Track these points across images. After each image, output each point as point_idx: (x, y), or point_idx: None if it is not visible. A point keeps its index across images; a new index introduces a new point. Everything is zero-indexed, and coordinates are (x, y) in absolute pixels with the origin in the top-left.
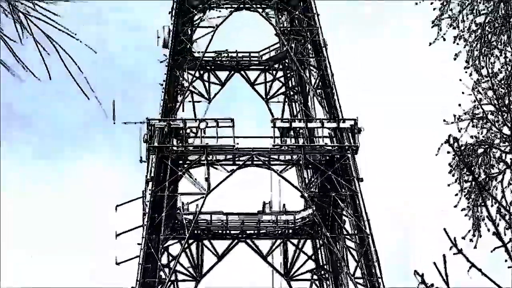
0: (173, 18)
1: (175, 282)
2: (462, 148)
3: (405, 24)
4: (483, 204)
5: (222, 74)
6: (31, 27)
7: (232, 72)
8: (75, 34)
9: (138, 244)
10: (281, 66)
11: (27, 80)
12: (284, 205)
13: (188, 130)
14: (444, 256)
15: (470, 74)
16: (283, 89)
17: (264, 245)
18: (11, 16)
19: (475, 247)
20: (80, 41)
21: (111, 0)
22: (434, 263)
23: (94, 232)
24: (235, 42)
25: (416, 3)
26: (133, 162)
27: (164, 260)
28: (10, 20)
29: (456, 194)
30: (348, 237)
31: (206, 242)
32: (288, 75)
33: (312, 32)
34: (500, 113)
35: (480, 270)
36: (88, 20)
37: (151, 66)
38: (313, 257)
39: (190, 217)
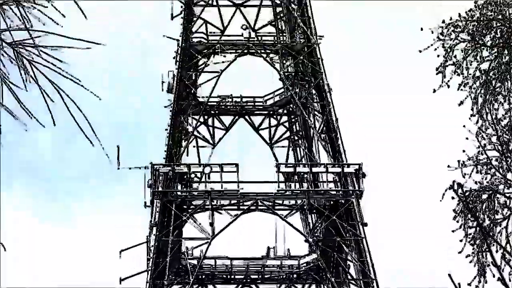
0: (177, 63)
1: None
2: (467, 194)
3: (410, 70)
4: (488, 250)
5: (227, 119)
6: (36, 73)
7: (237, 117)
8: (80, 81)
9: None
10: (285, 111)
11: (32, 126)
12: (288, 249)
13: (192, 175)
14: None
15: (476, 122)
16: (287, 134)
17: None
18: (16, 62)
19: None
20: (85, 88)
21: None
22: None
23: (98, 277)
24: (240, 87)
25: (420, 51)
26: (138, 207)
27: None
28: (15, 66)
29: (461, 240)
30: (353, 282)
31: (210, 287)
32: (293, 120)
33: (317, 77)
34: (504, 158)
35: None
36: (92, 65)
37: (156, 111)
38: None
39: (195, 262)
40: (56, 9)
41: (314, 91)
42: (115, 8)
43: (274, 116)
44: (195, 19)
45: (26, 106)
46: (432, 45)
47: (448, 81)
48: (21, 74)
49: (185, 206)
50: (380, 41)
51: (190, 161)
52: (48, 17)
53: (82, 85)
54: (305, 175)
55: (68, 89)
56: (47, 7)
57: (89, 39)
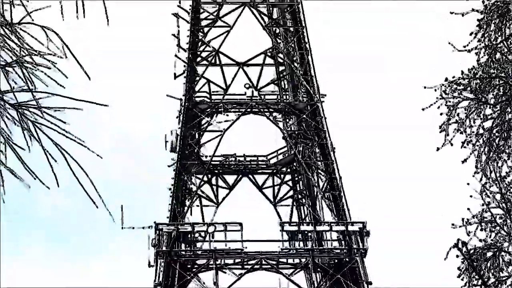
0: (180, 122)
1: None
2: (471, 252)
3: (413, 127)
4: None
5: (230, 178)
6: (39, 134)
7: (240, 176)
8: (83, 142)
9: None
10: (289, 170)
11: (36, 187)
12: None
13: (196, 234)
14: None
15: (480, 179)
16: (291, 193)
17: None
18: (19, 123)
19: None
20: (88, 148)
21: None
22: None
23: None
24: (243, 146)
25: (423, 109)
26: (141, 266)
27: None
28: (18, 127)
29: None
30: None
31: None
32: (296, 178)
33: (320, 135)
34: (508, 216)
35: None
36: (96, 124)
37: (159, 170)
38: None
39: None
40: (59, 70)
41: (317, 150)
42: (118, 67)
43: (278, 175)
44: (198, 78)
45: (30, 167)
46: (435, 103)
47: (451, 139)
48: (24, 135)
49: (189, 266)
50: (384, 100)
51: (194, 220)
52: (51, 78)
53: (85, 146)
54: (309, 234)
55: (71, 149)
56: (50, 68)
57: (92, 99)
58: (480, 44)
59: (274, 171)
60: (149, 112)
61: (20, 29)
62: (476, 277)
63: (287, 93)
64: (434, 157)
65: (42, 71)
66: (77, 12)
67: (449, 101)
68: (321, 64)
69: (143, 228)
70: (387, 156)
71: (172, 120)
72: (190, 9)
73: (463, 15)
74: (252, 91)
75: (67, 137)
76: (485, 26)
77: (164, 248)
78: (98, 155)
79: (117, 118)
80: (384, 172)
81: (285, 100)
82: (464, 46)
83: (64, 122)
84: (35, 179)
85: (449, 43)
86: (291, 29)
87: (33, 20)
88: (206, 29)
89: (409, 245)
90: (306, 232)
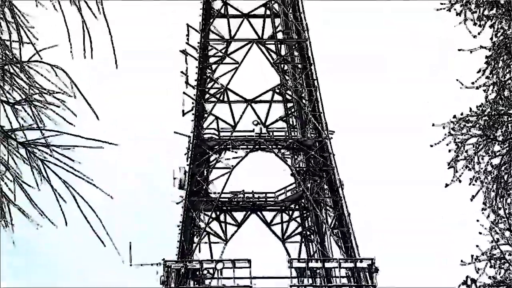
0: (189, 159)
1: None
2: None
3: (421, 164)
4: None
5: (239, 215)
6: (48, 173)
7: (249, 212)
8: (92, 180)
9: None
10: (297, 206)
11: (44, 225)
12: None
13: (204, 271)
14: None
15: (488, 216)
16: (299, 229)
17: None
18: (28, 162)
19: None
20: (97, 187)
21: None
22: None
23: None
24: (251, 182)
25: (431, 146)
26: None
27: None
28: (27, 165)
29: None
30: None
31: None
32: (305, 215)
33: (328, 172)
34: None
35: None
36: (104, 162)
37: (167, 207)
38: None
39: None
40: (68, 109)
41: (326, 186)
42: (125, 105)
43: (286, 212)
44: (206, 115)
45: (39, 206)
46: (443, 140)
47: (460, 175)
48: (33, 174)
49: None
50: (392, 135)
51: (203, 257)
52: (61, 116)
53: (94, 184)
54: (318, 270)
55: (80, 187)
56: (59, 106)
57: (101, 137)
58: (488, 81)
59: (283, 207)
60: (157, 149)
61: (29, 67)
62: None
63: (295, 129)
64: (443, 193)
65: (51, 109)
66: (84, 51)
67: (458, 138)
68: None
69: (152, 265)
70: (396, 190)
71: (180, 157)
72: (198, 46)
73: (471, 52)
74: (261, 128)
75: (76, 175)
76: (493, 63)
77: (172, 285)
78: (108, 195)
79: (125, 155)
80: (393, 207)
81: (293, 137)
82: (472, 83)
83: (73, 160)
84: (43, 217)
85: (457, 80)
86: (299, 65)
87: (42, 58)
88: (214, 66)
89: (419, 283)
90: (314, 268)
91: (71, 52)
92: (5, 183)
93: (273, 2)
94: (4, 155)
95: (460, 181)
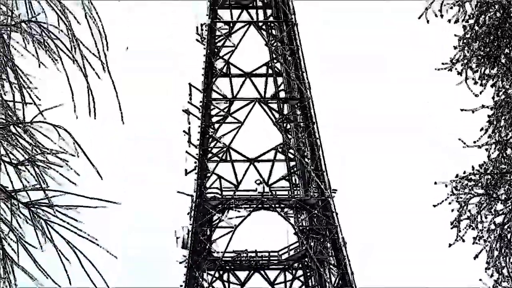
0: (191, 218)
1: None
2: None
3: (424, 224)
4: None
5: (242, 274)
6: (52, 233)
7: (252, 272)
8: (96, 239)
9: None
10: (300, 265)
11: (48, 286)
12: None
13: None
14: None
15: (491, 275)
16: None
17: None
18: (32, 222)
19: None
20: (101, 247)
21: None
22: None
23: None
24: (254, 242)
25: (434, 206)
26: None
27: None
28: (31, 226)
29: None
30: None
31: None
32: (308, 274)
33: (331, 230)
34: None
35: None
36: (108, 222)
37: (170, 267)
38: None
39: None
40: (71, 168)
41: (329, 245)
42: (126, 171)
43: (290, 271)
44: (209, 174)
45: (42, 266)
46: (446, 199)
47: (463, 235)
48: (37, 234)
49: None
50: (394, 194)
51: None
52: (64, 176)
53: (98, 244)
54: None
55: (84, 246)
56: (62, 166)
57: (105, 197)
58: (490, 140)
59: (286, 266)
60: (160, 208)
61: (32, 127)
62: None
63: (298, 188)
64: (446, 252)
65: (54, 169)
66: (89, 109)
67: (460, 197)
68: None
69: None
70: (398, 252)
71: (183, 216)
72: (200, 106)
73: (473, 111)
74: (263, 187)
75: (79, 235)
76: (495, 122)
77: None
78: (112, 254)
79: (129, 215)
80: (395, 267)
81: (296, 196)
82: (474, 142)
83: (77, 220)
84: (47, 278)
85: (459, 139)
86: (302, 124)
87: (45, 118)
88: (216, 125)
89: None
90: None
91: (74, 111)
92: (9, 243)
93: (275, 61)
94: (7, 215)
95: (463, 241)
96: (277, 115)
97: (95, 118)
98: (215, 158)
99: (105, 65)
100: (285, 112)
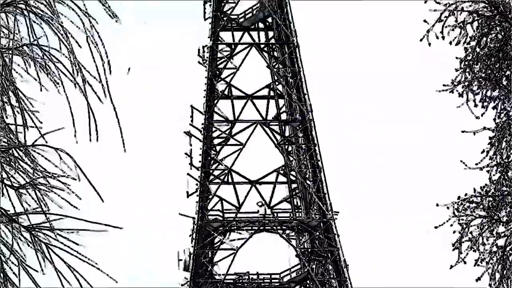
0: (193, 241)
1: None
2: None
3: (425, 245)
4: None
5: None
6: (52, 256)
7: None
8: (97, 263)
9: None
10: (302, 287)
11: None
12: None
13: None
14: None
15: None
16: None
17: None
18: (33, 245)
19: None
20: (101, 271)
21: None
22: None
23: None
24: (256, 264)
25: (436, 227)
26: None
27: None
28: (32, 249)
29: None
30: None
31: None
32: None
33: (333, 252)
34: None
35: None
36: (109, 245)
37: (172, 286)
38: None
39: None
40: (73, 192)
41: (330, 267)
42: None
43: None
44: (210, 196)
45: None
46: (447, 221)
47: (465, 257)
48: (38, 258)
49: None
50: (396, 215)
51: None
52: (65, 200)
53: (98, 268)
54: None
55: (85, 269)
56: (63, 190)
57: (106, 221)
58: (492, 162)
59: None
60: (162, 231)
61: (34, 150)
62: None
63: (299, 210)
64: (448, 274)
65: (55, 193)
66: (90, 133)
67: (462, 219)
68: (332, 178)
69: None
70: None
71: (185, 238)
72: (202, 128)
73: (474, 133)
74: (265, 209)
75: (80, 259)
76: (496, 144)
77: None
78: (112, 278)
79: (130, 237)
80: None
81: (298, 218)
82: (476, 164)
83: (78, 244)
84: None
85: (461, 161)
86: (303, 146)
87: (46, 141)
88: (218, 147)
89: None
90: None
91: (75, 136)
92: (10, 267)
93: (277, 83)
94: (9, 239)
95: (465, 263)
96: (278, 137)
97: (97, 141)
98: (217, 180)
99: (106, 90)
100: (287, 134)
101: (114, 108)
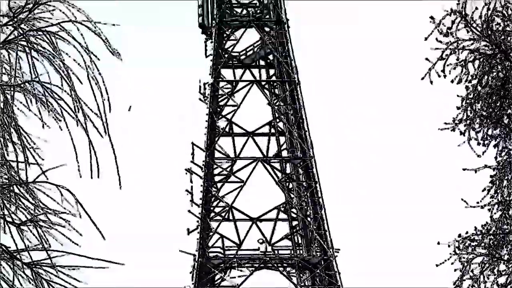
0: (194, 278)
1: None
2: None
3: (425, 282)
4: None
5: None
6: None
7: None
8: None
9: None
10: None
11: None
12: None
13: None
14: None
15: None
16: None
17: None
18: (34, 283)
19: None
20: None
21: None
22: None
23: None
24: None
25: (437, 265)
26: None
27: None
28: (33, 285)
29: None
30: None
31: None
32: None
33: None
34: None
35: None
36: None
37: None
38: None
39: None
40: (74, 229)
41: None
42: (128, 230)
43: None
44: (211, 233)
45: None
46: (448, 259)
47: None
48: None
49: None
50: (397, 253)
51: None
52: (66, 236)
53: None
54: None
55: None
56: (64, 227)
57: (107, 257)
58: (493, 200)
59: None
60: (162, 268)
61: (35, 187)
62: None
63: (300, 247)
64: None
65: (56, 230)
66: (91, 170)
67: (463, 257)
68: (333, 214)
69: None
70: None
71: (185, 275)
72: (203, 165)
73: (476, 171)
74: (266, 246)
75: None
76: (497, 182)
77: None
78: None
79: (132, 275)
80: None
81: (298, 255)
82: (478, 202)
83: (79, 281)
84: None
85: (462, 199)
86: (304, 184)
87: (47, 178)
88: (219, 185)
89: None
90: None
91: (79, 170)
92: None
93: (277, 120)
94: (10, 275)
95: None
96: (279, 174)
97: (98, 178)
98: (218, 217)
99: (106, 128)
100: (288, 171)
101: (113, 147)
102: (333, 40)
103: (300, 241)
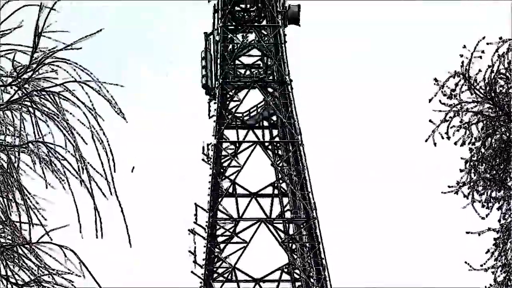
0: None
1: None
2: None
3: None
4: None
5: None
6: None
7: None
8: None
9: None
10: None
11: None
12: None
13: None
14: None
15: None
16: None
17: None
18: None
19: None
20: None
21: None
22: None
23: None
24: None
25: None
26: None
27: None
28: None
29: None
30: None
31: None
32: None
33: None
34: None
35: None
36: None
37: None
38: None
39: None
40: None
41: None
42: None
43: None
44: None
45: None
46: None
47: None
48: None
49: None
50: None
51: None
52: None
53: None
54: None
55: None
56: (68, 287)
57: None
58: (496, 263)
59: None
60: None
61: (38, 248)
62: None
63: None
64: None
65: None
66: (96, 230)
67: None
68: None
69: None
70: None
71: None
72: (206, 226)
73: (479, 234)
74: None
75: None
76: (501, 245)
77: None
78: None
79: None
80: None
81: None
82: (481, 265)
83: None
84: None
85: (465, 262)
86: (308, 244)
87: (51, 239)
88: (222, 245)
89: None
90: None
91: (80, 231)
92: None
93: (281, 181)
94: None
95: None
96: (282, 235)
97: (102, 238)
98: (221, 278)
99: (112, 188)
100: (291, 232)
101: (121, 206)
102: (338, 98)
103: None
